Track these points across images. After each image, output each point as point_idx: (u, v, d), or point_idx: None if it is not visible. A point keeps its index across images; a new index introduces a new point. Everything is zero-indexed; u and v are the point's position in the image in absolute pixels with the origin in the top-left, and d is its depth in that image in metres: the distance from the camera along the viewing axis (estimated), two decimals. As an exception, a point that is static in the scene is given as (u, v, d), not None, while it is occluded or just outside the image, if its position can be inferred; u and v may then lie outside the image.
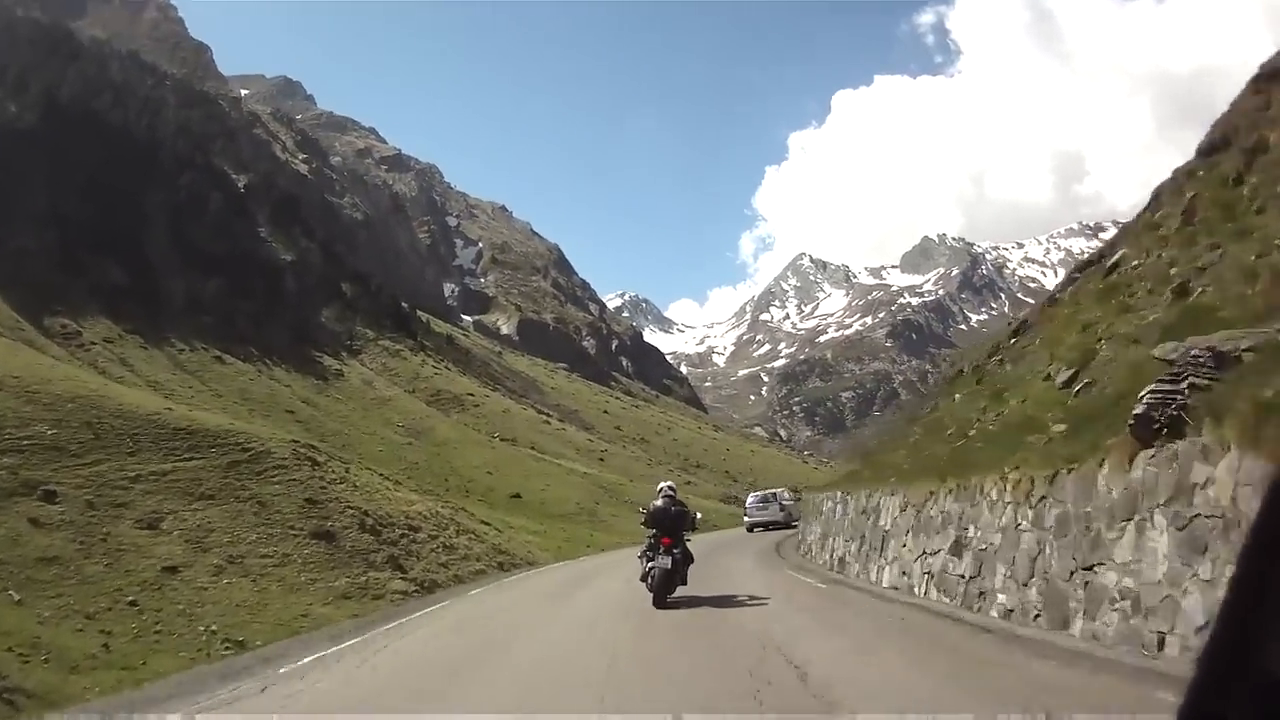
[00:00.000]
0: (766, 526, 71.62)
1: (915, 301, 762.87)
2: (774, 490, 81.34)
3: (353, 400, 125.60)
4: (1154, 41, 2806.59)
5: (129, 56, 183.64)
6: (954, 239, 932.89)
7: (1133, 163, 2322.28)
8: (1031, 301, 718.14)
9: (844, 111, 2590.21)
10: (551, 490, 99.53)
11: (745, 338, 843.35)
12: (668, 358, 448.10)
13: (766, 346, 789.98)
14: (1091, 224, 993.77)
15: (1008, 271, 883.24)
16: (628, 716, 12.41)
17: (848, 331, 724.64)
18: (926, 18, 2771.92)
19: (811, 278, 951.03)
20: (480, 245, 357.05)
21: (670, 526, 25.81)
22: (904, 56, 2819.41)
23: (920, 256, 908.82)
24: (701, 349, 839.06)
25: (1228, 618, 2.10)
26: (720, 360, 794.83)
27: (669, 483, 28.80)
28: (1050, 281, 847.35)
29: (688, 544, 26.59)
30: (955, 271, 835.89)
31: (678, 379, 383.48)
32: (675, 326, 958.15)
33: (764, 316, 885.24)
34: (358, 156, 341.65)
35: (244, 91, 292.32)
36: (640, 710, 12.62)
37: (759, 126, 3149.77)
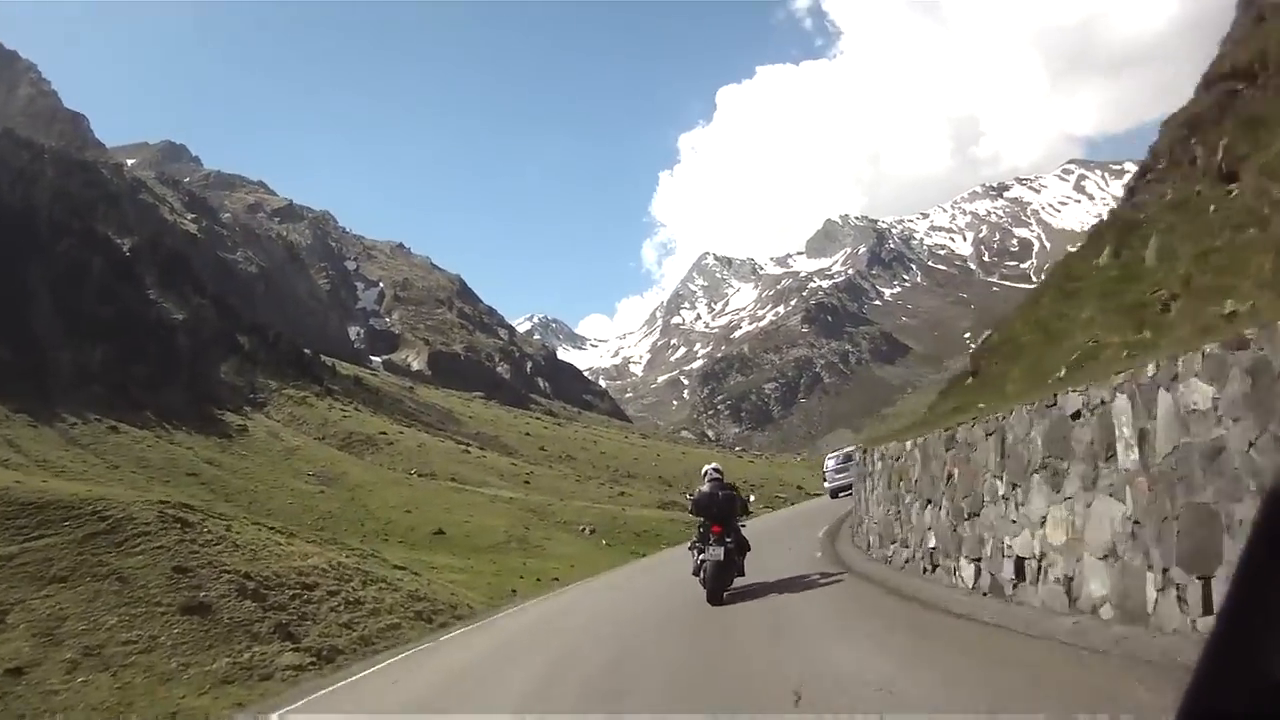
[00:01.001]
0: (849, 491, 61.23)
1: (826, 284, 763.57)
2: (850, 449, 71.13)
3: (259, 454, 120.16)
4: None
5: (3, 134, 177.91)
6: (856, 218, 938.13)
7: (1028, 118, 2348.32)
8: (944, 268, 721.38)
9: (730, 107, 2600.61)
10: (476, 521, 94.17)
11: (660, 344, 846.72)
12: (585, 374, 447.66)
13: (682, 350, 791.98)
14: (995, 184, 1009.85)
15: (915, 242, 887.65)
16: (646, 716, 12.02)
17: (762, 323, 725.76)
18: (802, 2, 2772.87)
19: (718, 275, 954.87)
20: (381, 285, 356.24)
21: (720, 512, 23.42)
22: (784, 44, 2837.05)
23: (825, 240, 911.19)
24: (617, 361, 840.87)
25: (1229, 618, 2.09)
26: (638, 370, 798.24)
27: (714, 464, 26.04)
28: (961, 246, 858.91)
29: (742, 529, 24.21)
30: (862, 249, 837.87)
31: (598, 393, 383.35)
32: (588, 342, 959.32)
33: (675, 320, 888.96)
34: (249, 211, 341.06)
35: (129, 161, 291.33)
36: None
37: (648, 132, 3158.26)
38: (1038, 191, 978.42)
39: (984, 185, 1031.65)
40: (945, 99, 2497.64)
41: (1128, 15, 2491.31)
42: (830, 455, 76.16)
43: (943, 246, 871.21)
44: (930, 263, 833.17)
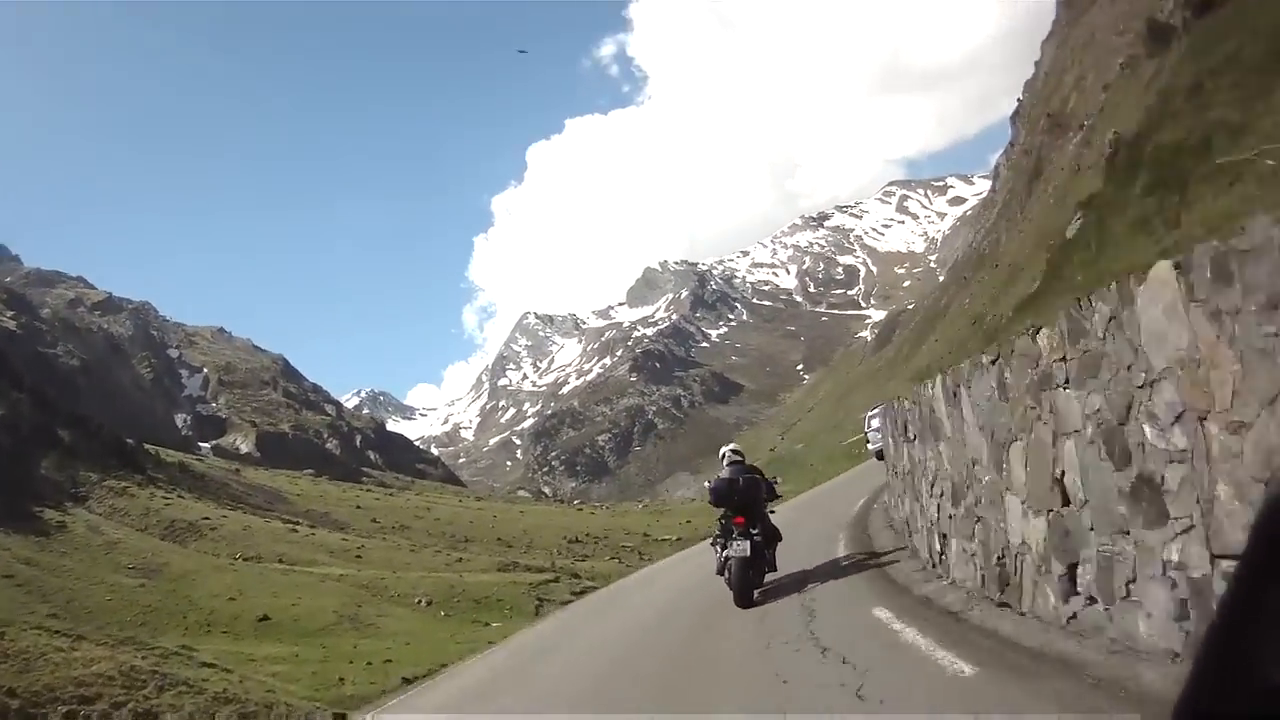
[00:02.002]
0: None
1: (650, 332, 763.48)
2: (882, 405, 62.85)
3: (79, 550, 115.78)
4: (846, 21, 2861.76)
5: None
6: (676, 263, 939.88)
7: (845, 146, 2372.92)
8: (769, 303, 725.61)
9: (541, 164, 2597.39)
10: (305, 603, 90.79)
11: (488, 407, 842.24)
12: (416, 443, 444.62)
13: (512, 410, 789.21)
14: (815, 215, 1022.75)
15: (738, 280, 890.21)
16: (647, 716, 13.16)
17: (589, 376, 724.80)
18: (608, 49, 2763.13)
19: (541, 334, 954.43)
20: (205, 371, 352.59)
21: (742, 500, 21.80)
22: (592, 94, 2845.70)
23: (646, 288, 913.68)
24: (448, 428, 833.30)
25: (1223, 621, 2.09)
26: (468, 434, 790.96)
27: (732, 445, 24.70)
28: (785, 280, 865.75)
29: (771, 516, 22.69)
30: (684, 294, 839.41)
31: (430, 461, 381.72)
32: (417, 412, 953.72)
33: (502, 382, 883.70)
34: (69, 306, 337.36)
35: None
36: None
37: (459, 197, 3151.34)
38: (859, 217, 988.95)
39: (804, 217, 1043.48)
40: (759, 135, 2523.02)
41: (941, 32, 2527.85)
42: (872, 412, 68.26)
43: (766, 282, 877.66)
44: (755, 300, 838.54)
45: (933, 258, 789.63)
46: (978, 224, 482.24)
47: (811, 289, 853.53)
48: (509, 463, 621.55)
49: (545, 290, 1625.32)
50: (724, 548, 21.25)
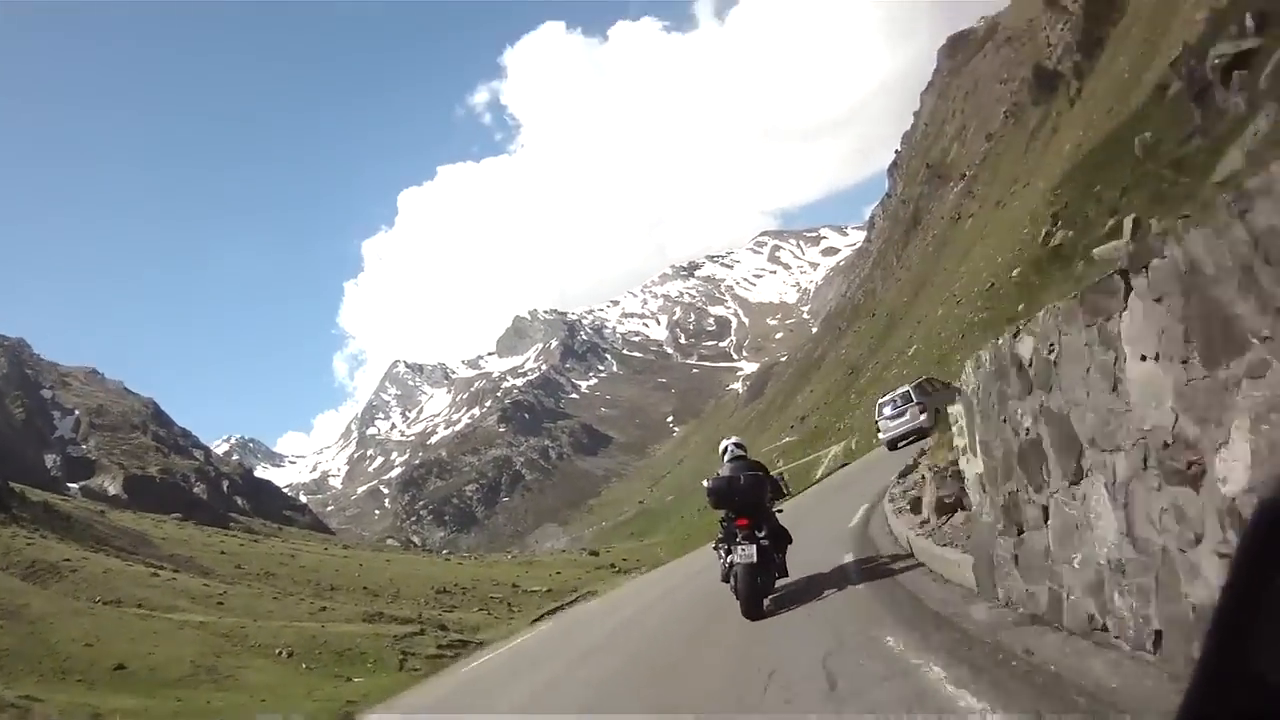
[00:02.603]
0: (914, 437, 54.18)
1: (520, 382, 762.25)
2: (906, 388, 61.33)
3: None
4: (724, 73, 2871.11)
5: None
6: (546, 312, 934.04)
7: (715, 198, 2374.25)
8: (640, 354, 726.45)
9: (413, 210, 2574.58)
10: (162, 651, 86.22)
11: (357, 455, 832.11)
12: (285, 490, 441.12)
13: (380, 459, 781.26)
14: (686, 265, 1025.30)
15: (608, 331, 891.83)
16: (649, 716, 12.73)
17: (458, 427, 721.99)
18: (482, 96, 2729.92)
19: (410, 383, 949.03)
20: (77, 413, 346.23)
21: (745, 500, 19.28)
22: (465, 141, 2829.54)
23: (515, 337, 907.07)
24: (316, 476, 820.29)
25: (1224, 621, 2.10)
26: (337, 483, 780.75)
27: (734, 439, 21.75)
28: (655, 331, 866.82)
29: (778, 515, 20.21)
30: (554, 344, 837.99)
31: (298, 508, 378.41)
32: (286, 459, 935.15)
33: (371, 431, 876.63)
34: None
35: None
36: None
37: (331, 242, 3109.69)
38: (731, 267, 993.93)
39: (674, 266, 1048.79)
40: (632, 184, 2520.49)
41: (819, 85, 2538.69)
42: (884, 399, 62.06)
43: (637, 333, 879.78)
44: (625, 350, 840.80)
45: (805, 308, 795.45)
46: (852, 274, 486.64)
47: (682, 340, 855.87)
48: (377, 511, 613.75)
49: (416, 338, 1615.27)
50: (727, 553, 19.04)
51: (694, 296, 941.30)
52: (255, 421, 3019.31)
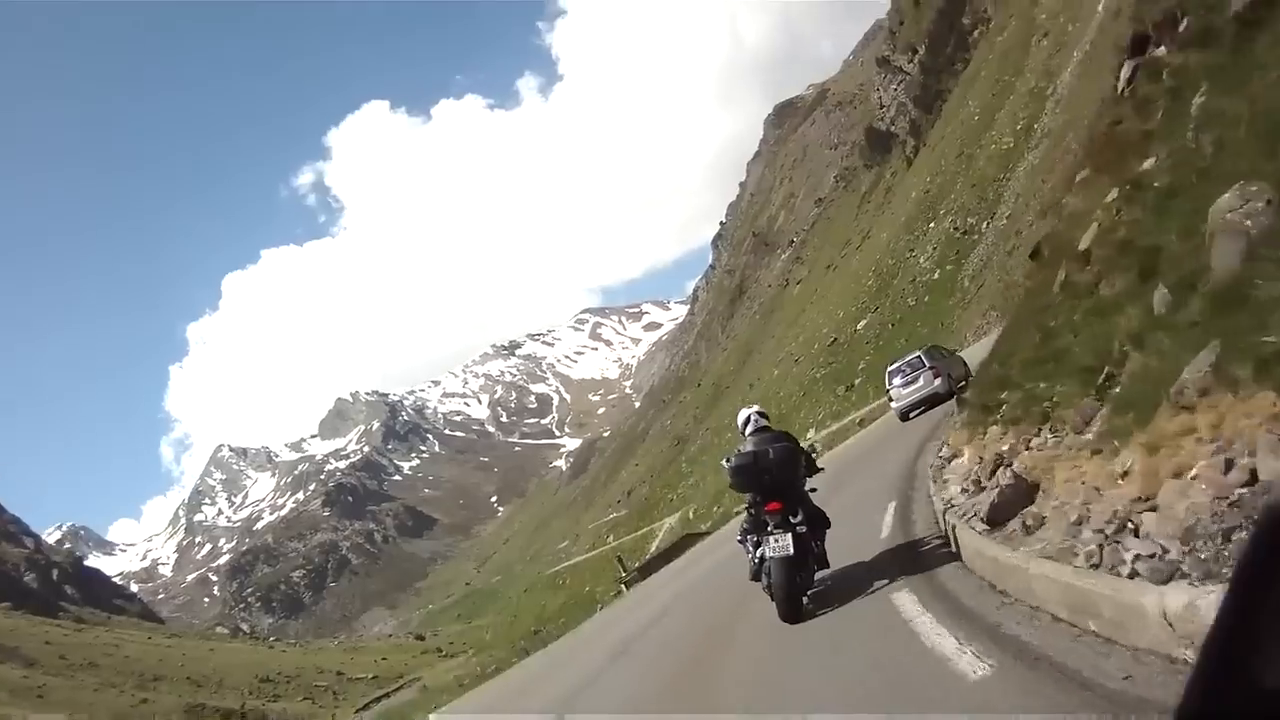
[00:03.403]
0: (927, 405, 49.25)
1: (343, 465, 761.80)
2: (917, 353, 53.47)
3: None
4: (544, 152, 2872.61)
5: None
6: (367, 394, 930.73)
7: (537, 275, 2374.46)
8: (461, 434, 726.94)
9: (236, 294, 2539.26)
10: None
11: (185, 542, 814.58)
12: (115, 579, 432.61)
13: (208, 546, 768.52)
14: (507, 343, 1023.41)
15: (429, 411, 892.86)
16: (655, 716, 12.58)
17: (283, 512, 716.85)
18: (306, 178, 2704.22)
19: (235, 467, 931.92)
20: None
21: (775, 480, 15.41)
22: (289, 223, 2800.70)
23: (337, 419, 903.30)
24: (146, 563, 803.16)
25: (1225, 623, 2.09)
26: (166, 570, 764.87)
27: (755, 407, 17.64)
28: (477, 410, 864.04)
29: (811, 495, 16.30)
30: (376, 425, 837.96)
31: (128, 597, 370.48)
32: (117, 547, 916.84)
33: (198, 517, 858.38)
34: None
35: None
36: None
37: (155, 325, 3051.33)
38: (552, 345, 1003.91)
39: (495, 345, 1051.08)
40: (453, 263, 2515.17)
41: (645, 161, 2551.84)
42: (892, 367, 54.01)
43: (458, 413, 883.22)
44: (447, 430, 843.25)
45: (628, 383, 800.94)
46: (675, 348, 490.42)
47: (504, 419, 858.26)
48: (206, 599, 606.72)
49: (240, 421, 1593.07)
50: (757, 545, 15.71)
51: (515, 375, 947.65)
52: (87, 509, 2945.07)
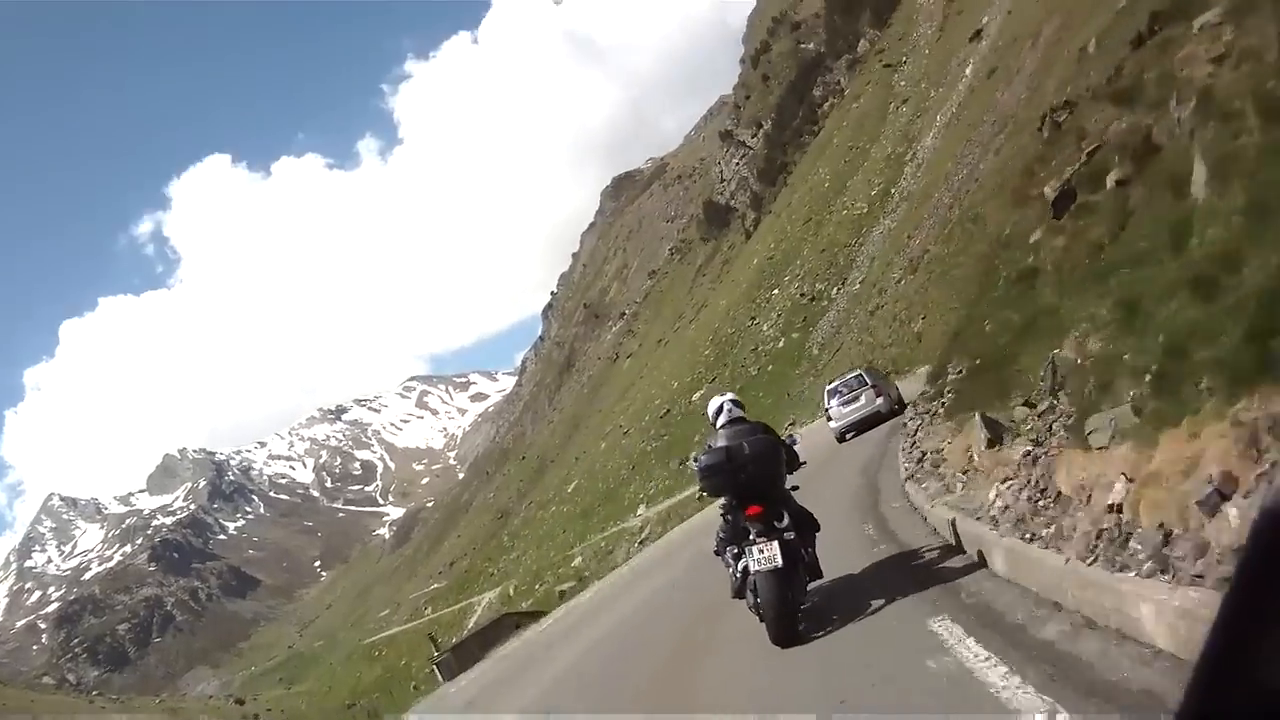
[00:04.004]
0: (867, 425, 45.81)
1: (169, 521, 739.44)
2: (858, 372, 51.13)
3: None
4: (380, 217, 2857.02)
5: None
6: (195, 451, 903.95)
7: (366, 341, 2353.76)
8: (286, 497, 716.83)
9: (73, 341, 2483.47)
10: None
11: (16, 588, 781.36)
12: None
13: (38, 593, 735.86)
14: (333, 408, 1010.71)
15: (255, 472, 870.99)
16: (652, 716, 12.08)
17: (111, 564, 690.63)
18: (145, 227, 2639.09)
19: (65, 516, 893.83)
20: None
21: (755, 478, 12.80)
22: (127, 272, 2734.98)
23: (165, 475, 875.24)
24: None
25: (1225, 624, 2.03)
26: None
27: (729, 395, 14.63)
28: (302, 473, 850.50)
29: (793, 494, 13.61)
30: (203, 483, 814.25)
31: None
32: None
33: (29, 564, 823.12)
34: None
35: None
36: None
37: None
38: (378, 411, 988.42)
39: (322, 410, 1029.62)
40: (283, 323, 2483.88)
41: (479, 227, 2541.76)
42: (831, 386, 51.08)
43: (284, 475, 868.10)
44: (272, 493, 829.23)
45: (453, 454, 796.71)
46: (501, 419, 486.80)
47: (329, 484, 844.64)
48: (35, 646, 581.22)
49: (73, 470, 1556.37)
50: (738, 557, 12.88)
51: (341, 440, 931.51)
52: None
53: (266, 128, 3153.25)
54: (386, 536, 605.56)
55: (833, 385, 50.32)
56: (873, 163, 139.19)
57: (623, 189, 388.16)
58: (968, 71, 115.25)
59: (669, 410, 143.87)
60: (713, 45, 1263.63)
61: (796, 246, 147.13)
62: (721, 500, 13.65)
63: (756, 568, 12.30)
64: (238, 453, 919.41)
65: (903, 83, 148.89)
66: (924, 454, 20.15)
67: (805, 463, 15.17)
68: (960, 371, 21.11)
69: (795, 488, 14.04)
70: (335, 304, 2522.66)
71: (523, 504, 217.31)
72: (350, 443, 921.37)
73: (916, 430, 23.83)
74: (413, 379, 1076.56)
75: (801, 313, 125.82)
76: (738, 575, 13.02)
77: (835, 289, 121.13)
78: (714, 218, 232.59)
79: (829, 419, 49.16)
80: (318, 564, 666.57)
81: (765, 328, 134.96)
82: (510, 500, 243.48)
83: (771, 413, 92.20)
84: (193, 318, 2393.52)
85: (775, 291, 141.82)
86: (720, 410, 14.04)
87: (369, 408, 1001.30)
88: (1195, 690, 1.98)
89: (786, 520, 12.77)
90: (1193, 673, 2.01)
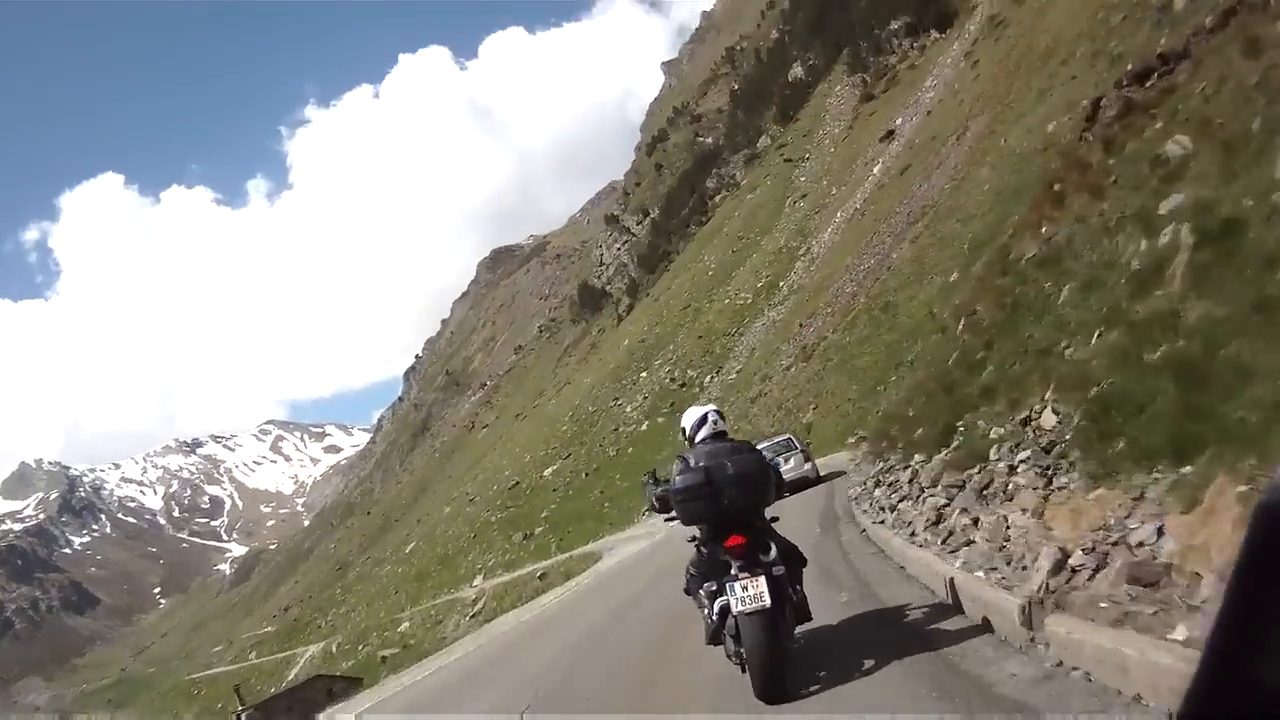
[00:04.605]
0: (791, 488, 36.95)
1: (17, 527, 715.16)
2: (787, 436, 46.73)
3: None
4: (258, 254, 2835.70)
5: None
6: (50, 463, 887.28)
7: (230, 378, 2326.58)
8: (134, 520, 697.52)
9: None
10: None
11: None
12: None
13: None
14: (190, 440, 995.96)
15: (106, 492, 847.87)
16: (649, 715, 10.62)
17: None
18: (31, 235, 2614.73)
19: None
20: None
21: (736, 507, 9.85)
22: (6, 277, 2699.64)
23: (19, 482, 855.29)
24: None
25: (1224, 625, 1.95)
26: None
27: (710, 407, 11.32)
28: (151, 499, 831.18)
29: (773, 524, 10.66)
30: (54, 495, 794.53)
31: None
32: None
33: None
34: None
35: None
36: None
37: None
38: (233, 450, 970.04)
39: (177, 440, 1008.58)
40: (151, 348, 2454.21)
41: (354, 281, 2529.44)
42: (763, 445, 39.19)
43: (133, 499, 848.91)
44: (120, 514, 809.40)
45: (300, 500, 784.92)
46: (351, 474, 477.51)
47: (176, 513, 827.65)
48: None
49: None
50: (715, 595, 9.86)
51: (193, 473, 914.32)
52: None
53: (162, 154, 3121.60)
54: (227, 573, 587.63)
55: (763, 446, 38.95)
56: (763, 254, 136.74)
57: (500, 261, 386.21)
58: (876, 170, 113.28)
59: (518, 483, 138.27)
60: (611, 132, 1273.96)
61: (671, 331, 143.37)
62: (695, 531, 10.46)
63: (739, 608, 9.22)
64: (92, 470, 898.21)
65: (803, 178, 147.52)
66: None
67: (787, 493, 14.16)
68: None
69: (775, 518, 10.79)
70: (204, 338, 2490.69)
71: (361, 558, 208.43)
72: (202, 476, 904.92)
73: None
74: (270, 422, 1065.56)
75: (670, 397, 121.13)
76: (713, 617, 9.78)
77: (709, 376, 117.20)
78: (588, 300, 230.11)
79: None
80: (158, 590, 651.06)
81: (629, 409, 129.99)
82: (350, 553, 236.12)
83: (629, 496, 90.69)
84: (66, 330, 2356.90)
85: (644, 374, 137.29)
86: (703, 422, 10.61)
87: (224, 445, 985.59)
88: (1196, 690, 1.92)
89: (774, 553, 9.64)
90: (1195, 670, 1.96)
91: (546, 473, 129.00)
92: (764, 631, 9.14)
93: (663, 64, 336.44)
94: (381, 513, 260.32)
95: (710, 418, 10.74)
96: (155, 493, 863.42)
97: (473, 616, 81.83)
